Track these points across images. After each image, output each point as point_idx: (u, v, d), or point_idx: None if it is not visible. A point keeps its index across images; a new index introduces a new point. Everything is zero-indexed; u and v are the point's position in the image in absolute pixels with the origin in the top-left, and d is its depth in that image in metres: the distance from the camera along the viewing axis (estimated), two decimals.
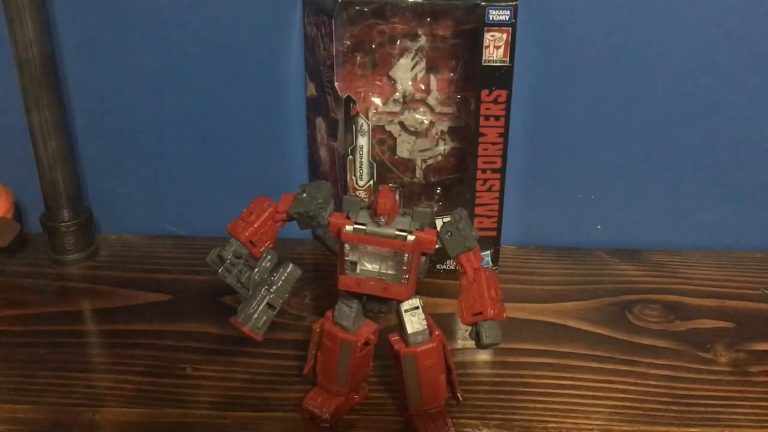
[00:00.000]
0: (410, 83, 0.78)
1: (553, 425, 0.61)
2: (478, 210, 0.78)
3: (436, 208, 0.82)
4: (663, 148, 0.84)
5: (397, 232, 0.54)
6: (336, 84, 0.73)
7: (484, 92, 0.73)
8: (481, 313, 0.55)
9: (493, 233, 0.79)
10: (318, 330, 0.59)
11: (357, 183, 0.76)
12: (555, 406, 0.63)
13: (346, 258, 0.56)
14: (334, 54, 0.72)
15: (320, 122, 0.80)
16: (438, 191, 0.83)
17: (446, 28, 0.76)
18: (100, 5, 0.80)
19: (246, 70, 0.83)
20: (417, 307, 0.57)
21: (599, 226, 0.89)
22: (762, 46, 0.79)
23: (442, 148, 0.81)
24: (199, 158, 0.87)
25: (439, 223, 0.57)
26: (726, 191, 0.86)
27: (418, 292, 0.57)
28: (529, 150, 0.84)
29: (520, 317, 0.75)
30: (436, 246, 0.55)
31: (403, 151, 0.80)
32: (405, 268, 0.55)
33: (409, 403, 0.59)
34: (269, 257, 0.58)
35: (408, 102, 0.79)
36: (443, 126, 0.80)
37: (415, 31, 0.76)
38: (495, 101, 0.73)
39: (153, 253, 0.87)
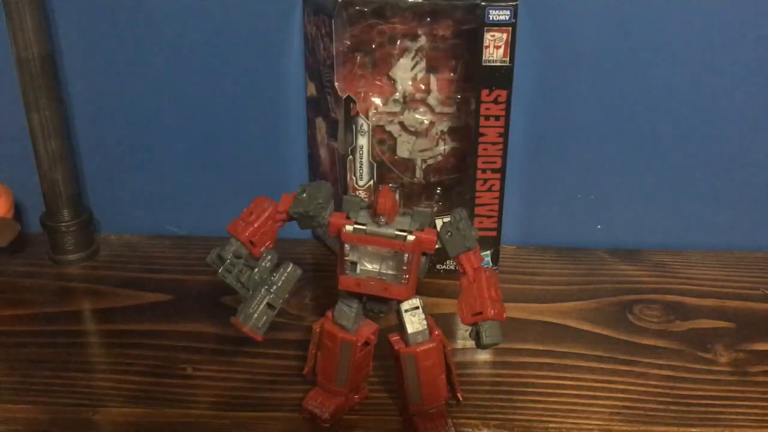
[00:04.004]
0: (410, 83, 0.78)
1: (553, 425, 0.61)
2: (478, 210, 0.78)
3: (436, 208, 0.82)
4: (663, 148, 0.84)
5: (397, 232, 0.54)
6: (336, 84, 0.73)
7: (484, 92, 0.73)
8: (481, 313, 0.55)
9: (493, 233, 0.79)
10: (318, 330, 0.59)
11: (357, 183, 0.76)
12: (555, 406, 0.63)
13: (346, 258, 0.56)
14: (334, 54, 0.72)
15: (320, 122, 0.80)
16: (438, 191, 0.83)
17: (446, 28, 0.76)
18: (99, 5, 0.80)
19: (246, 71, 0.82)
20: (417, 307, 0.57)
21: (599, 226, 0.89)
22: (764, 46, 0.79)
23: (442, 148, 0.81)
24: (199, 158, 0.87)
25: (439, 223, 0.56)
26: (726, 191, 0.86)
27: (418, 292, 0.57)
28: (529, 150, 0.84)
29: (520, 317, 0.75)
30: (436, 246, 0.55)
31: (403, 151, 0.80)
32: (405, 268, 0.55)
33: (409, 403, 0.59)
34: (269, 257, 0.57)
35: (408, 102, 0.78)
36: (443, 126, 0.80)
37: (415, 31, 0.76)
38: (495, 101, 0.73)
39: (153, 253, 0.87)
